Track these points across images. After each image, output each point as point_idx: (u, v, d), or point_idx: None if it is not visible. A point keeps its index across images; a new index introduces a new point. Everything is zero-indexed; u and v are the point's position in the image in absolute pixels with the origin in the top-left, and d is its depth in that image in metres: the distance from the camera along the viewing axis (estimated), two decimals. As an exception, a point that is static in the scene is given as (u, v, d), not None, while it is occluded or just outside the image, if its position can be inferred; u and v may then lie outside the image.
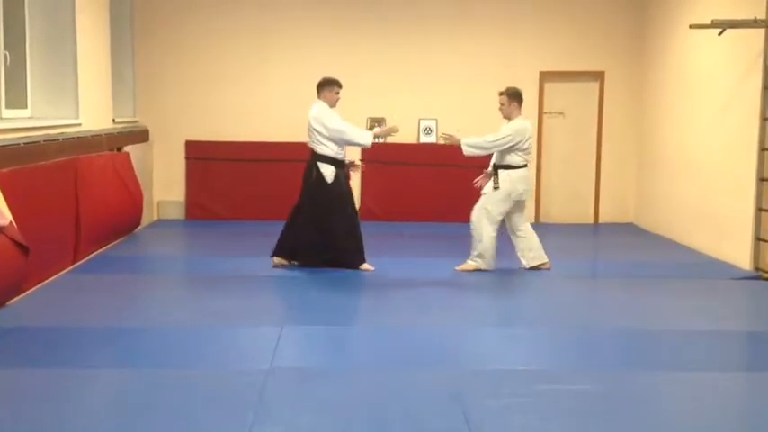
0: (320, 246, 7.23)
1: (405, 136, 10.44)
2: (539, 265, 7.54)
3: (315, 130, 7.13)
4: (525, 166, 7.42)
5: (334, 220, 7.19)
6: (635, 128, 10.59)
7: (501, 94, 7.41)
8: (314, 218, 7.18)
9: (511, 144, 7.27)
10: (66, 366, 4.68)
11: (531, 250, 7.52)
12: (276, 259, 7.42)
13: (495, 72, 10.46)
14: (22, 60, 7.41)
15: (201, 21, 10.37)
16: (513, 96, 7.36)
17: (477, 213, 7.37)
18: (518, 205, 7.44)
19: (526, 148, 7.37)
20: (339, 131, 7.12)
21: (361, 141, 7.24)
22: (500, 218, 7.36)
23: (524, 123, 7.36)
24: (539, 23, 10.49)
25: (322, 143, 7.13)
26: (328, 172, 7.12)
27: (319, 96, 7.28)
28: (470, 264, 7.41)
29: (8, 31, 6.97)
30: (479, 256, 7.38)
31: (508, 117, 7.37)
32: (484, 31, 10.48)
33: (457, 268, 7.41)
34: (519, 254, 7.55)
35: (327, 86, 7.24)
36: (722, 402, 4.45)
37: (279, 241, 7.39)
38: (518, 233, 7.51)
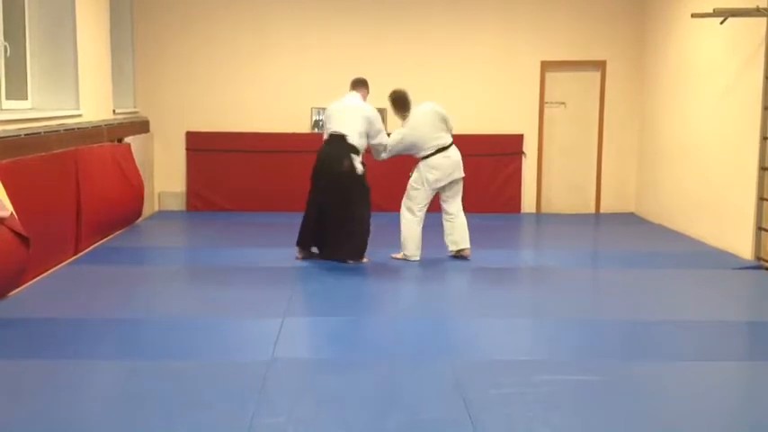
0: (343, 236, 7.22)
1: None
2: (458, 251, 7.52)
3: (366, 120, 7.15)
4: (438, 152, 7.34)
5: (360, 210, 7.19)
6: (636, 117, 10.57)
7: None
8: (341, 208, 7.14)
9: (403, 147, 7.38)
10: (67, 357, 4.69)
11: (451, 235, 7.51)
12: (301, 252, 7.37)
13: (496, 62, 10.46)
14: (23, 51, 7.40)
15: (202, 11, 10.34)
16: (394, 104, 7.46)
17: (402, 205, 7.48)
18: (446, 191, 7.43)
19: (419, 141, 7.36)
20: (381, 140, 7.32)
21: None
22: (421, 207, 7.37)
23: (409, 124, 7.36)
24: (540, 13, 10.45)
25: (361, 135, 7.16)
26: (358, 163, 7.14)
27: (357, 90, 7.36)
28: (400, 253, 7.48)
29: (8, 22, 6.95)
30: (403, 246, 7.43)
31: (402, 120, 7.48)
32: (485, 20, 10.45)
33: (392, 255, 7.48)
34: (445, 238, 7.56)
35: (367, 87, 7.43)
36: (724, 392, 4.45)
37: (301, 233, 7.34)
38: (446, 217, 7.52)
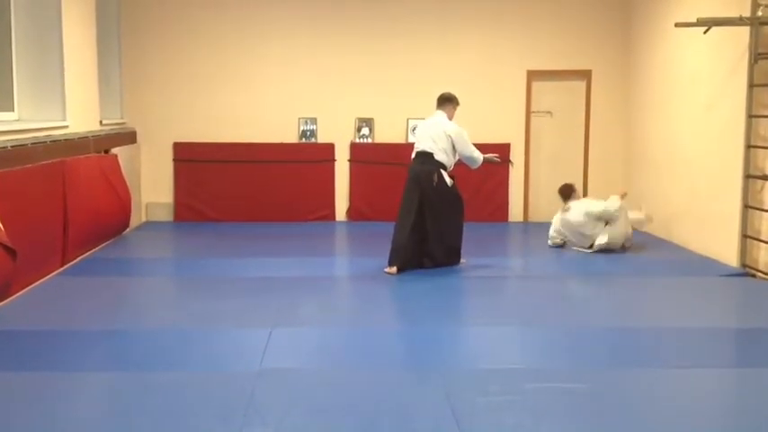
0: (443, 245, 7.52)
1: (393, 135, 10.51)
2: None
3: (448, 138, 7.45)
4: None
5: (457, 219, 7.57)
6: (622, 126, 10.63)
7: None
8: (441, 218, 7.44)
9: None
10: (54, 370, 4.67)
11: None
12: (393, 268, 7.32)
13: (483, 72, 10.50)
14: (9, 63, 7.39)
15: (189, 22, 10.35)
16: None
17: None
18: None
19: None
20: (471, 153, 7.59)
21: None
22: None
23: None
24: (526, 23, 10.52)
25: (446, 152, 7.46)
26: (447, 177, 7.49)
27: (442, 108, 7.65)
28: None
29: (-6, 33, 6.95)
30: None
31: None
32: (471, 30, 10.50)
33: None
34: None
35: (453, 103, 7.70)
36: (711, 399, 4.48)
37: (400, 252, 7.35)
38: None
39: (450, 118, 7.64)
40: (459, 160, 7.67)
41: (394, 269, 7.29)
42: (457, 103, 7.73)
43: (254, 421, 3.91)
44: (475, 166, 7.76)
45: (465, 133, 7.57)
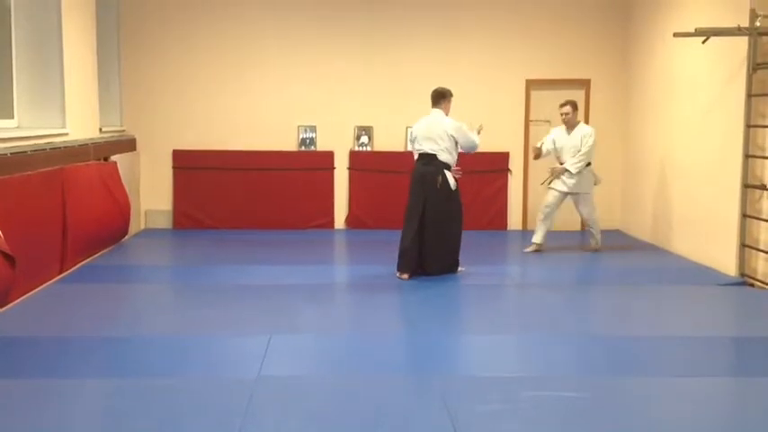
0: (441, 252, 7.46)
1: (392, 144, 10.53)
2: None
3: (450, 137, 7.41)
4: None
5: (457, 225, 7.51)
6: (621, 135, 10.65)
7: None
8: (441, 223, 7.39)
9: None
10: (52, 377, 4.67)
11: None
12: (405, 274, 7.39)
13: (482, 80, 10.53)
14: (9, 70, 7.40)
15: (188, 30, 10.37)
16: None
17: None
18: None
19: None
20: (473, 142, 7.59)
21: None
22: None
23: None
24: (525, 32, 10.55)
25: (449, 151, 7.44)
26: (451, 178, 7.44)
27: (438, 106, 7.56)
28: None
29: (-6, 41, 6.97)
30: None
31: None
32: (471, 39, 10.53)
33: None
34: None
35: (447, 98, 7.60)
36: (709, 408, 4.47)
37: (405, 256, 7.39)
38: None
39: (447, 113, 7.59)
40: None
41: (406, 276, 7.33)
42: (451, 95, 7.64)
43: (251, 427, 3.91)
44: (474, 152, 7.74)
45: (464, 126, 7.55)
